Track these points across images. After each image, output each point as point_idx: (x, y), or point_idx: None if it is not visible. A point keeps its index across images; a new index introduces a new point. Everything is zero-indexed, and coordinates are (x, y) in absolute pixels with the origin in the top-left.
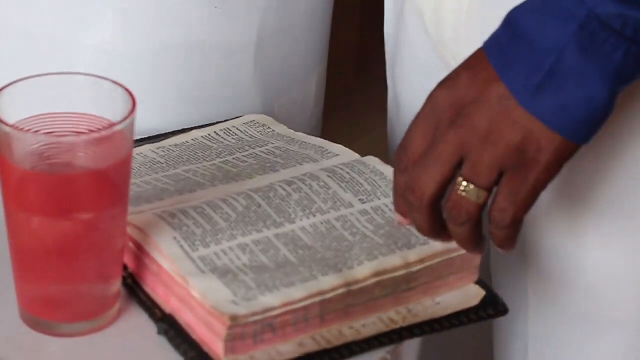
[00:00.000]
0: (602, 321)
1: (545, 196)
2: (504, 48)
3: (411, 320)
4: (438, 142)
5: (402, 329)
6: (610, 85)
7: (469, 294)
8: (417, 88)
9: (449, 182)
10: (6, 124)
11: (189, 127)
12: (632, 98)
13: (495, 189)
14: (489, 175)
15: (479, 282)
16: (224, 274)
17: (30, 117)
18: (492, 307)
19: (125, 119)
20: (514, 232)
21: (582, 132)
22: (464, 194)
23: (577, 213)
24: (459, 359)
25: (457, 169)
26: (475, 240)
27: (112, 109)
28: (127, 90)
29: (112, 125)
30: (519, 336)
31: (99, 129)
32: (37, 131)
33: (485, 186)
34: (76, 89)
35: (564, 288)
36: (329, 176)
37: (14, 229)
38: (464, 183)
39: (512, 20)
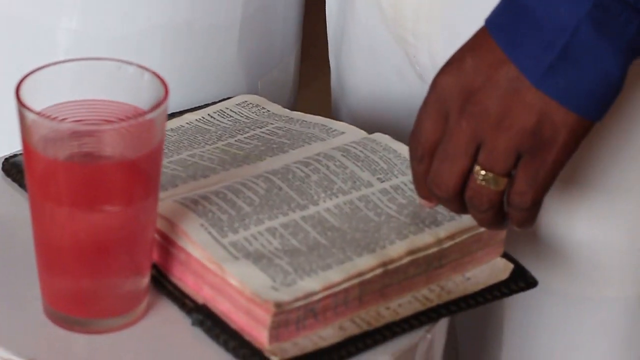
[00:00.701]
0: (586, 300)
1: None
2: (509, 27)
3: (445, 298)
4: (452, 134)
5: (438, 306)
6: (624, 59)
7: (497, 268)
8: (365, 68)
9: (470, 171)
10: (32, 111)
11: (176, 109)
12: None
13: (513, 172)
14: (506, 162)
15: (505, 256)
16: (258, 259)
17: (53, 105)
18: (522, 279)
19: (158, 105)
20: (534, 214)
21: (597, 108)
22: (483, 182)
23: (566, 190)
24: None
25: (475, 156)
26: (498, 222)
27: (136, 95)
28: (156, 75)
29: (145, 112)
30: (494, 316)
31: (131, 117)
32: (64, 119)
33: (504, 172)
34: (98, 75)
35: (550, 267)
36: (344, 155)
37: (40, 221)
38: (482, 172)
39: None
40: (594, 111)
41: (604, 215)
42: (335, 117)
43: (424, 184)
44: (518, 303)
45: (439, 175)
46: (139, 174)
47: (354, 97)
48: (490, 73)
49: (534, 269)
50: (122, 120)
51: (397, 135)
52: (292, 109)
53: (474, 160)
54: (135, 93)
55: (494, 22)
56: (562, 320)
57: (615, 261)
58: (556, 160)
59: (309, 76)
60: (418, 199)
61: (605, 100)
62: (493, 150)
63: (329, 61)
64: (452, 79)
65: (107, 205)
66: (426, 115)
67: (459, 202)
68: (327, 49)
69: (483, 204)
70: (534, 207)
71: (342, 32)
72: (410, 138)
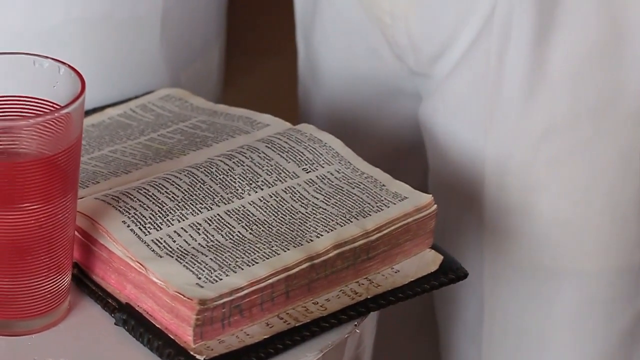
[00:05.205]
0: (555, 273)
1: (498, 153)
2: None
3: (374, 291)
4: None
5: (367, 300)
6: None
7: (426, 260)
8: (340, 50)
9: None
10: None
11: (98, 104)
12: None
13: None
14: None
15: (435, 247)
16: (182, 256)
17: None
18: (452, 271)
19: (75, 100)
20: None
21: None
22: None
23: (531, 165)
24: (400, 323)
25: None
26: None
27: (53, 90)
28: (72, 69)
29: (61, 107)
30: (475, 295)
31: (47, 112)
32: None
33: None
34: (13, 70)
35: (518, 242)
36: (268, 147)
37: None
38: None
39: None
40: None
41: (574, 190)
42: (303, 100)
43: None
44: (495, 280)
45: None
46: (57, 171)
47: (327, 78)
48: None
49: (508, 245)
50: (38, 115)
51: (375, 115)
52: (218, 102)
53: None
54: (52, 88)
55: None
56: (535, 294)
57: (585, 234)
58: None
59: (236, 71)
60: None
61: None
62: None
63: (257, 56)
64: None
65: (24, 203)
66: None
67: None
68: (255, 44)
69: None
70: None
71: (313, 14)
72: None
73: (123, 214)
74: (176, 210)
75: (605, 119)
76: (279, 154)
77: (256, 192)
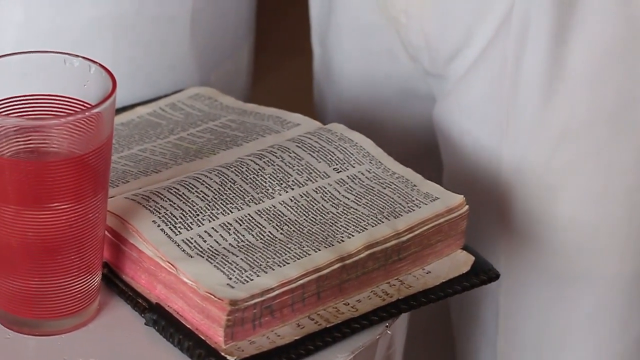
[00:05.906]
0: (572, 276)
1: (514, 155)
2: None
3: (406, 292)
4: None
5: (398, 301)
6: None
7: (458, 261)
8: (354, 50)
9: None
10: None
11: (127, 103)
12: None
13: None
14: None
15: (466, 248)
16: (212, 256)
17: None
18: (484, 272)
19: (106, 99)
20: None
21: None
22: None
23: (548, 167)
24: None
25: None
26: None
27: (84, 89)
28: (103, 67)
29: (92, 106)
30: (491, 300)
31: (78, 111)
32: (8, 114)
33: None
34: (44, 69)
35: (534, 245)
36: (298, 146)
37: None
38: None
39: None
40: None
41: (594, 194)
42: (318, 100)
43: None
44: (512, 286)
45: None
46: (88, 170)
47: (342, 79)
48: None
49: (526, 251)
50: (69, 114)
51: (389, 116)
52: (247, 101)
53: None
54: (83, 87)
55: None
56: (552, 299)
57: (605, 238)
58: None
59: (266, 71)
60: None
61: None
62: None
63: (284, 55)
64: None
65: (55, 202)
66: None
67: None
68: (282, 43)
69: None
70: None
71: (329, 14)
72: None
73: (153, 213)
74: (207, 210)
75: (623, 121)
76: (309, 154)
77: (287, 192)
